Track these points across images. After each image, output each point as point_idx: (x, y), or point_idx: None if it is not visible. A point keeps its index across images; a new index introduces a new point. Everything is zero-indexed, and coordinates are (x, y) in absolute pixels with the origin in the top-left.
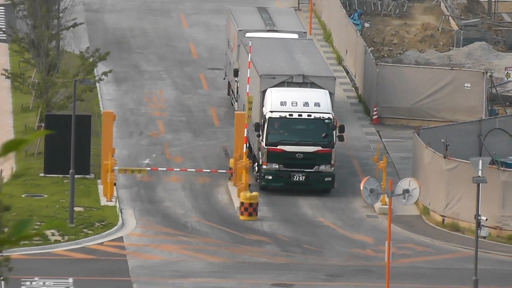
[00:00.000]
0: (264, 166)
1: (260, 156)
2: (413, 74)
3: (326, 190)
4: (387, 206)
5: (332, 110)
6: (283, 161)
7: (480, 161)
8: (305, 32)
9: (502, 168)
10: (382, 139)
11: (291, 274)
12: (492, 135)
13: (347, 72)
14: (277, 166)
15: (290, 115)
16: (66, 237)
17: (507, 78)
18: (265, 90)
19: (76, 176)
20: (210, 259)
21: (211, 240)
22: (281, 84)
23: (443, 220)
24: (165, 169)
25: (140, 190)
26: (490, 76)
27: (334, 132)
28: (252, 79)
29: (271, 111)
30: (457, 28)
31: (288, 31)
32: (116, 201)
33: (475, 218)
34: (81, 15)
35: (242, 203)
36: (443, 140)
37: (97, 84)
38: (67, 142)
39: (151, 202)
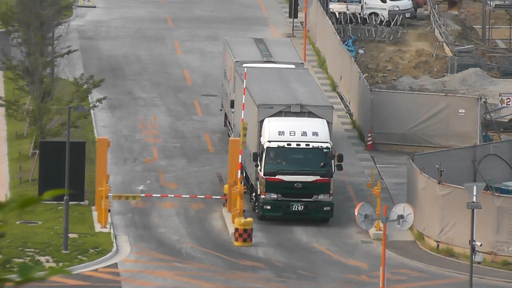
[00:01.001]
0: (263, 196)
1: (259, 186)
2: (407, 100)
3: (325, 220)
4: (381, 232)
5: (330, 139)
6: (282, 190)
7: (475, 187)
8: (302, 63)
9: (497, 194)
10: (377, 165)
11: None
12: (486, 161)
13: (341, 98)
14: (275, 196)
15: (288, 144)
16: (60, 264)
17: (501, 104)
18: (263, 119)
19: (70, 202)
20: (205, 285)
21: (205, 266)
22: (278, 114)
23: (438, 245)
24: (159, 195)
25: (134, 216)
26: (484, 102)
27: (333, 161)
28: (249, 109)
29: (269, 141)
30: (451, 55)
31: (285, 62)
32: (110, 228)
33: (469, 244)
34: (75, 42)
35: (236, 229)
36: (437, 166)
37: (92, 111)
38: (61, 169)
39: (145, 228)
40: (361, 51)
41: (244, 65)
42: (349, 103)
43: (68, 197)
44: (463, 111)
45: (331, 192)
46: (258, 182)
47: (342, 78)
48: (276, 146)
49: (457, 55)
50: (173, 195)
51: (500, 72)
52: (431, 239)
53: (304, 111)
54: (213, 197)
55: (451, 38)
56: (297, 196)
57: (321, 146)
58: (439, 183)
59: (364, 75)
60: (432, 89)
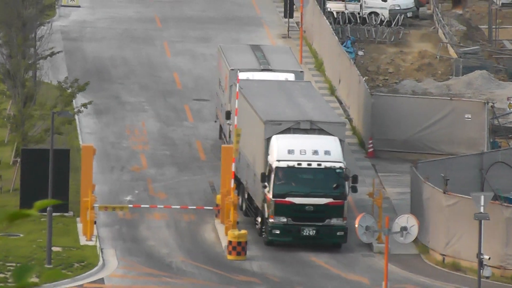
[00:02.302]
0: (271, 220)
1: (266, 209)
2: (410, 105)
3: (338, 245)
4: (383, 245)
5: (344, 158)
6: (292, 214)
7: (482, 197)
8: (302, 72)
9: (505, 204)
10: (378, 173)
11: None
12: (494, 169)
13: (340, 103)
14: (285, 220)
15: (298, 164)
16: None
17: (510, 109)
18: (270, 137)
19: (54, 214)
20: None
21: (197, 281)
22: (286, 131)
23: (443, 259)
24: (148, 206)
25: (122, 228)
26: (491, 106)
27: (347, 182)
28: (252, 125)
29: (278, 160)
30: (456, 56)
31: (283, 71)
32: (96, 240)
33: (477, 257)
34: (59, 43)
35: (230, 242)
36: (442, 175)
37: (76, 116)
38: (44, 178)
39: (133, 241)
40: (360, 53)
41: (241, 74)
42: (349, 108)
43: (51, 208)
44: (469, 116)
45: (344, 216)
46: (265, 204)
47: (340, 82)
48: (286, 165)
49: (462, 56)
50: (162, 206)
51: (507, 75)
52: (436, 252)
53: (314, 128)
54: (205, 207)
55: (456, 38)
56: (308, 220)
57: (334, 166)
58: (444, 192)
59: (364, 78)
60: (436, 93)
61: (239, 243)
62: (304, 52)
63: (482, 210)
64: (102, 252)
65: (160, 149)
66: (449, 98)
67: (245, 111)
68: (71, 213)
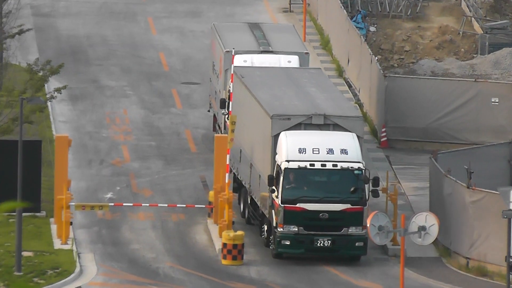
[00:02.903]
0: (280, 229)
1: (274, 216)
2: (428, 88)
3: (356, 258)
4: (399, 247)
5: (363, 158)
6: (304, 222)
7: (511, 192)
8: (307, 53)
9: None
10: (393, 166)
11: None
12: None
13: (350, 86)
14: (296, 229)
15: (311, 165)
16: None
17: None
18: (278, 134)
19: (24, 214)
20: None
21: None
22: (297, 127)
23: (468, 263)
24: (131, 204)
25: (101, 230)
26: None
27: (366, 185)
28: (257, 120)
29: (288, 161)
30: (482, 32)
31: (286, 52)
32: (72, 244)
33: (506, 261)
34: (28, 20)
35: (224, 245)
36: (466, 167)
37: (49, 103)
38: (13, 173)
39: (114, 245)
40: (372, 29)
41: (237, 56)
42: (359, 92)
43: (21, 208)
44: (497, 100)
45: (364, 224)
46: (273, 211)
47: (350, 62)
48: (297, 167)
49: (489, 32)
50: (147, 204)
51: None
52: (459, 255)
53: (328, 123)
54: (196, 206)
55: (481, 12)
56: (323, 229)
57: (351, 167)
58: (468, 187)
59: (376, 58)
60: (459, 74)
61: (234, 246)
62: (308, 29)
63: (511, 207)
64: (79, 257)
65: (145, 139)
66: (473, 80)
67: (248, 103)
68: (43, 213)
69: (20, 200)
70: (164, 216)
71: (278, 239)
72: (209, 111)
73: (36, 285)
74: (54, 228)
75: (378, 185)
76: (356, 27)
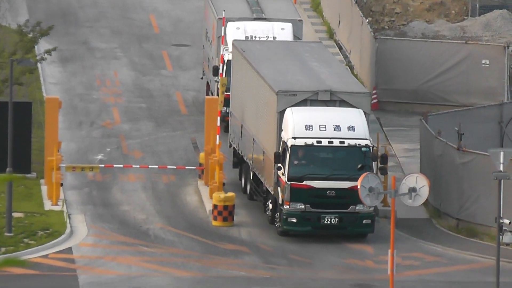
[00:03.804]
0: (286, 206)
1: (280, 194)
2: (419, 50)
3: (363, 235)
4: (389, 208)
5: (370, 134)
6: (311, 199)
7: (502, 153)
8: (300, 21)
9: None
10: (383, 128)
11: None
12: None
13: (340, 48)
14: (302, 206)
15: (318, 142)
16: (2, 249)
17: None
18: (283, 110)
19: (14, 175)
20: (178, 273)
21: (178, 251)
22: (302, 103)
23: (458, 224)
24: (121, 166)
25: (92, 191)
26: None
27: (374, 163)
28: (261, 95)
29: (294, 137)
30: None
31: (279, 20)
32: (63, 205)
33: (496, 222)
34: None
35: (215, 206)
36: (456, 128)
37: (39, 65)
38: (3, 135)
39: (105, 206)
40: None
41: (230, 23)
42: (349, 54)
43: (11, 169)
44: (487, 62)
45: None
46: (279, 188)
47: (340, 24)
48: (303, 144)
49: None
50: (138, 166)
51: None
52: (449, 216)
53: (334, 99)
54: (187, 167)
55: None
56: (330, 206)
57: (359, 144)
58: (458, 149)
59: (367, 20)
60: (450, 36)
61: (225, 207)
62: None
63: (501, 169)
64: (69, 218)
65: (135, 101)
66: (464, 42)
67: (249, 78)
68: (34, 174)
69: (9, 162)
70: (154, 177)
71: (284, 217)
72: (202, 78)
73: (27, 245)
74: (44, 189)
75: (386, 163)
76: None
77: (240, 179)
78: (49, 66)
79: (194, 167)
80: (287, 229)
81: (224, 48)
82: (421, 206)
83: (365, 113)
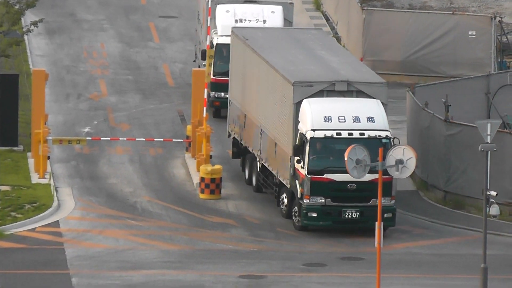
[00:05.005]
0: (307, 201)
1: (299, 187)
2: (406, 21)
3: (384, 228)
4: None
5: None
6: (331, 193)
7: (489, 125)
8: (291, 3)
9: None
10: None
11: (263, 264)
12: (502, 93)
13: (327, 19)
14: (323, 200)
15: (338, 134)
16: None
17: None
18: (299, 101)
19: (1, 148)
20: (165, 247)
21: (165, 224)
22: (318, 94)
23: (445, 196)
24: (108, 138)
25: (79, 164)
26: (499, 21)
27: None
28: (273, 86)
29: (313, 130)
30: None
31: (269, 2)
32: (50, 178)
33: (483, 194)
34: None
35: (202, 179)
36: (443, 100)
37: (25, 37)
38: None
39: (92, 179)
40: None
41: (219, 6)
42: (337, 25)
43: None
44: (474, 33)
45: (393, 194)
46: (297, 182)
47: None
48: (323, 136)
49: None
50: (125, 138)
51: None
52: (436, 188)
53: (351, 90)
54: (174, 140)
55: None
56: (351, 200)
57: (379, 136)
58: (445, 120)
59: None
60: (437, 7)
61: (212, 180)
62: None
63: (488, 140)
64: (56, 191)
65: (122, 73)
66: (450, 13)
67: (256, 67)
68: (20, 147)
69: None
70: (141, 150)
71: (304, 211)
72: (194, 61)
73: (14, 219)
74: (31, 162)
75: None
76: None
77: (243, 170)
78: (36, 38)
79: (181, 140)
80: (307, 224)
81: (213, 31)
82: (408, 178)
83: (383, 103)
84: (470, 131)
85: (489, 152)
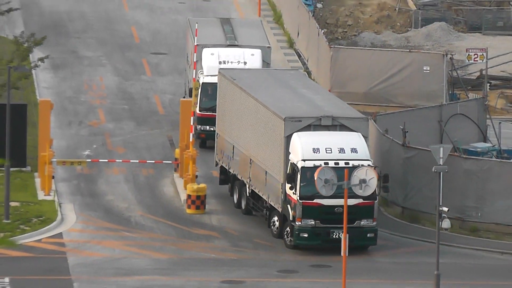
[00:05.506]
0: (298, 223)
1: (291, 211)
2: (369, 57)
3: (366, 247)
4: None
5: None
6: (320, 216)
7: (441, 149)
8: (269, 47)
9: (464, 156)
10: None
11: (242, 271)
12: (453, 121)
13: (299, 56)
14: (313, 222)
15: (325, 163)
16: (1, 234)
17: (468, 60)
18: (290, 135)
19: (11, 169)
20: (156, 256)
21: (156, 236)
22: (306, 128)
23: (403, 211)
24: (106, 160)
25: (80, 183)
26: (450, 58)
27: (377, 182)
28: (260, 121)
29: (304, 160)
30: (415, 8)
31: (250, 46)
32: (54, 195)
33: (436, 209)
34: None
35: (189, 196)
36: (401, 127)
37: (33, 71)
38: (1, 133)
39: (92, 196)
40: (319, 5)
41: (205, 49)
42: (307, 61)
43: (9, 163)
44: (428, 68)
45: (374, 216)
46: (289, 206)
47: (299, 34)
48: (312, 165)
49: (421, 8)
50: (121, 160)
51: (467, 27)
52: (395, 204)
53: (335, 124)
54: (164, 161)
55: None
56: (338, 222)
57: (362, 165)
58: (403, 145)
59: (323, 31)
60: (395, 45)
61: (198, 197)
62: (263, 5)
63: (441, 162)
64: (60, 206)
65: (119, 103)
66: (408, 50)
67: (244, 104)
68: (28, 168)
69: (7, 157)
70: (135, 170)
71: (296, 232)
72: (184, 97)
73: (22, 231)
74: (38, 181)
75: (387, 181)
76: (305, 4)
77: (232, 195)
78: (42, 72)
79: (171, 162)
80: (299, 244)
81: (199, 71)
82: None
83: (363, 136)
84: (425, 154)
85: (441, 173)
